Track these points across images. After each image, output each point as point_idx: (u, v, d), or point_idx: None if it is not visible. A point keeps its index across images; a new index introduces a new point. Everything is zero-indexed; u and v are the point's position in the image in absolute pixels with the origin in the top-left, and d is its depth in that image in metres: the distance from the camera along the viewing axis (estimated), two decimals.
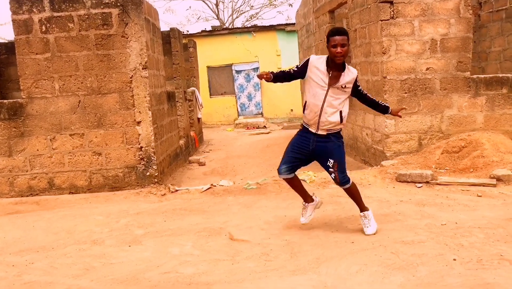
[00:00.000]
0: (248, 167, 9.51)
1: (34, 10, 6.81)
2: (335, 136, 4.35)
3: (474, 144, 6.96)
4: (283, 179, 4.54)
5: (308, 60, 4.25)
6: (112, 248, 4.46)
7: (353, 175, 6.88)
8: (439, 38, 7.17)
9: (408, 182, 6.38)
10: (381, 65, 7.27)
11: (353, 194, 4.51)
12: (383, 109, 4.58)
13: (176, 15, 41.70)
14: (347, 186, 4.43)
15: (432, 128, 7.31)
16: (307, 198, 4.69)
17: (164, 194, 6.80)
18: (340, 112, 4.24)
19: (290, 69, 4.39)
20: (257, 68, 19.43)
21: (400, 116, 4.79)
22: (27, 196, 7.04)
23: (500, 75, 7.35)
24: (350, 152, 9.23)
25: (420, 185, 6.21)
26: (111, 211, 5.96)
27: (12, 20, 6.89)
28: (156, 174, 7.16)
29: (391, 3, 7.09)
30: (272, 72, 4.34)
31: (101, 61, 6.92)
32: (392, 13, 7.11)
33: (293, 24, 19.34)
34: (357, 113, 8.60)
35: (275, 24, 19.62)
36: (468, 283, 3.13)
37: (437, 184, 6.18)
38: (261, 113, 19.60)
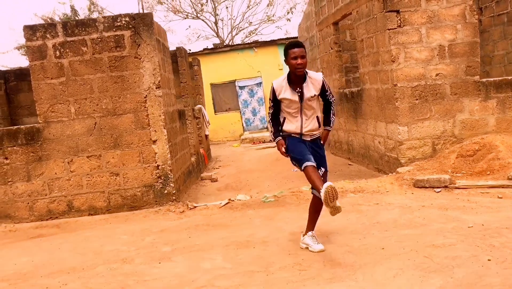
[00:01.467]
0: (262, 180, 9.54)
1: (48, 36, 6.92)
2: (320, 141, 4.46)
3: (488, 147, 7.00)
4: (310, 166, 4.14)
5: (272, 88, 4.35)
6: (143, 266, 4.49)
7: (369, 183, 6.93)
8: (447, 44, 7.28)
9: (426, 187, 6.41)
10: (390, 73, 7.36)
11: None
12: (324, 122, 4.50)
13: (176, 34, 42.16)
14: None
15: (445, 133, 7.37)
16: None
17: (183, 211, 6.84)
18: (317, 117, 4.39)
19: (270, 107, 4.45)
20: (260, 83, 19.57)
21: (325, 137, 4.50)
22: (46, 219, 7.07)
23: (510, 77, 7.43)
24: (362, 160, 9.28)
25: (438, 189, 6.24)
26: (134, 230, 5.99)
27: (27, 47, 7.01)
28: (173, 192, 7.20)
29: (398, 12, 7.20)
30: (281, 141, 4.40)
31: (115, 83, 7.01)
32: (399, 21, 7.22)
33: (294, 38, 19.54)
34: (368, 122, 8.67)
35: (276, 38, 19.83)
36: (508, 282, 3.16)
37: (456, 187, 6.22)
38: (267, 128, 19.66)
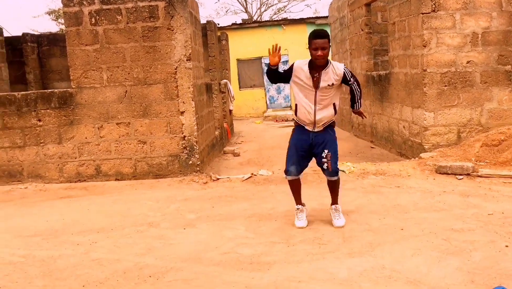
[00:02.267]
0: (283, 157, 9.61)
1: (84, 3, 7.06)
2: (331, 128, 4.53)
3: None
4: (290, 180, 4.64)
5: (293, 65, 4.42)
6: (168, 230, 4.68)
7: (391, 167, 6.99)
8: (481, 32, 7.19)
9: (448, 173, 6.45)
10: (421, 58, 7.33)
11: (336, 187, 4.65)
12: (352, 105, 4.64)
13: (205, 8, 42.02)
14: (336, 177, 4.57)
15: (472, 121, 7.34)
16: (301, 201, 4.77)
17: (206, 182, 7.01)
18: (334, 104, 4.44)
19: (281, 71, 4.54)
20: (287, 61, 19.51)
21: (358, 114, 4.64)
22: (75, 181, 7.34)
23: None
24: (385, 144, 9.31)
25: (461, 177, 6.27)
26: (159, 197, 6.20)
27: (63, 13, 7.17)
28: (198, 163, 7.38)
29: None
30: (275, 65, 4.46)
31: (147, 53, 7.15)
32: (434, 6, 7.15)
33: (323, 17, 19.38)
34: (394, 106, 8.67)
35: (305, 17, 19.67)
36: None
37: (478, 176, 6.24)
38: (290, 106, 19.72)
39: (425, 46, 7.22)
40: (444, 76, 7.26)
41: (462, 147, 7.23)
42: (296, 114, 4.50)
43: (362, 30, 10.35)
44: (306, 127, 4.47)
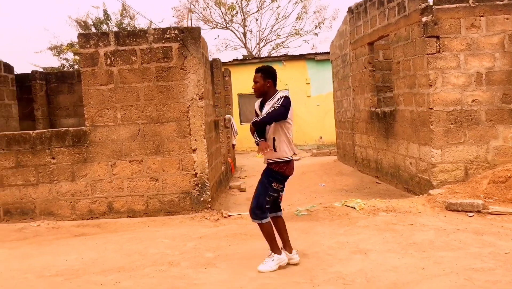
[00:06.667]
0: (291, 193, 9.71)
1: (100, 44, 7.26)
2: (269, 169, 4.65)
3: None
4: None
5: (290, 103, 4.54)
6: (189, 270, 4.72)
7: (401, 203, 7.08)
8: (484, 72, 7.43)
9: (458, 210, 6.54)
10: (427, 97, 7.53)
11: (263, 232, 4.66)
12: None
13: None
14: (255, 221, 4.65)
15: (478, 158, 7.49)
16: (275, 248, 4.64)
17: (218, 219, 7.07)
18: (273, 138, 4.57)
19: (281, 114, 4.48)
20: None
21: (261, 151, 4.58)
22: (87, 219, 7.37)
23: None
24: (391, 180, 9.43)
25: (471, 214, 6.37)
26: (173, 234, 6.24)
27: (80, 54, 7.37)
28: (209, 200, 7.45)
29: (437, 38, 7.39)
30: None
31: (160, 92, 7.31)
32: (438, 47, 7.40)
33: (322, 53, 19.82)
34: (399, 143, 8.83)
35: (305, 53, 20.11)
36: None
37: (489, 213, 6.34)
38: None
39: (431, 86, 7.44)
40: (450, 114, 7.45)
41: (470, 183, 7.35)
42: (285, 150, 4.57)
43: (365, 68, 10.62)
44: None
